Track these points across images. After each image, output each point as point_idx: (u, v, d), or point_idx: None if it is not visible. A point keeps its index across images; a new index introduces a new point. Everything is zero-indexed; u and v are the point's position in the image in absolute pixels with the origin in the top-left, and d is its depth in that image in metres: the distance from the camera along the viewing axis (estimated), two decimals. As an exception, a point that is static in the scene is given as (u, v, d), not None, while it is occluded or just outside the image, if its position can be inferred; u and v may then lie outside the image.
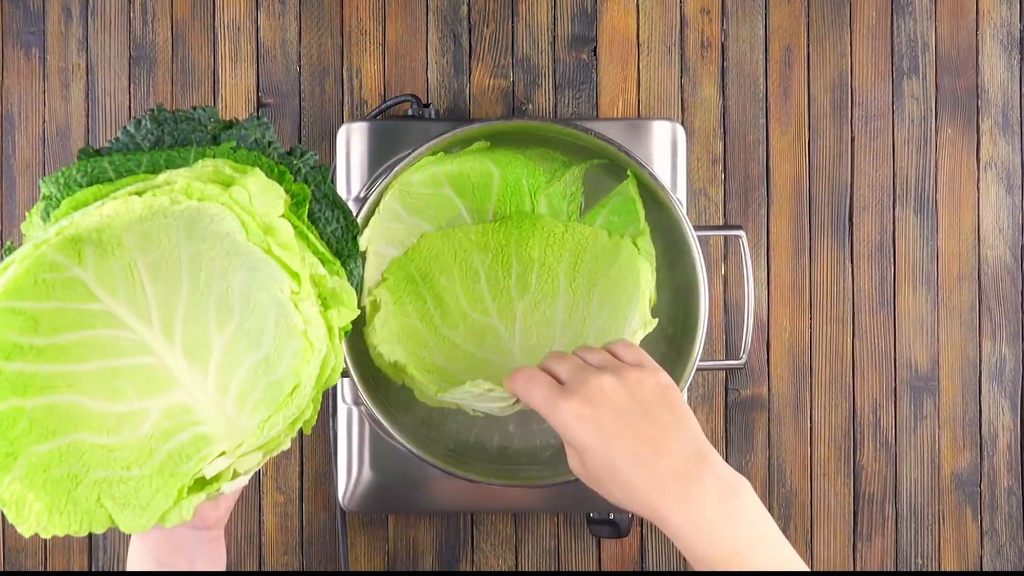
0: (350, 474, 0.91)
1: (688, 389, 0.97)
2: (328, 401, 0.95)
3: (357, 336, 0.79)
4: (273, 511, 0.99)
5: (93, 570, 0.99)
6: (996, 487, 1.01)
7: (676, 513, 0.61)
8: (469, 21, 1.01)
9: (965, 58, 1.02)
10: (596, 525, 0.95)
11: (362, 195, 0.90)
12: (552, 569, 1.00)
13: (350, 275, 0.70)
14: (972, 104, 1.02)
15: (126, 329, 0.66)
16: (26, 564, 0.99)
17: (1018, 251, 1.01)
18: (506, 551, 1.00)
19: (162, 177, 0.63)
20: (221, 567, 0.72)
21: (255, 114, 0.70)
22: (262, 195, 0.64)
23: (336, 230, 0.70)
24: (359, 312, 0.68)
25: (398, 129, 0.91)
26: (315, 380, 0.66)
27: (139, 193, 0.64)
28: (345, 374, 0.78)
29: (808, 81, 1.02)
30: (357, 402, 0.90)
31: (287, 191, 0.67)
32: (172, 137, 0.67)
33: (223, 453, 0.65)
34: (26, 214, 0.68)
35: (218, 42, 1.00)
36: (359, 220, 0.79)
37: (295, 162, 0.69)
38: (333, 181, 0.95)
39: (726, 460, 1.00)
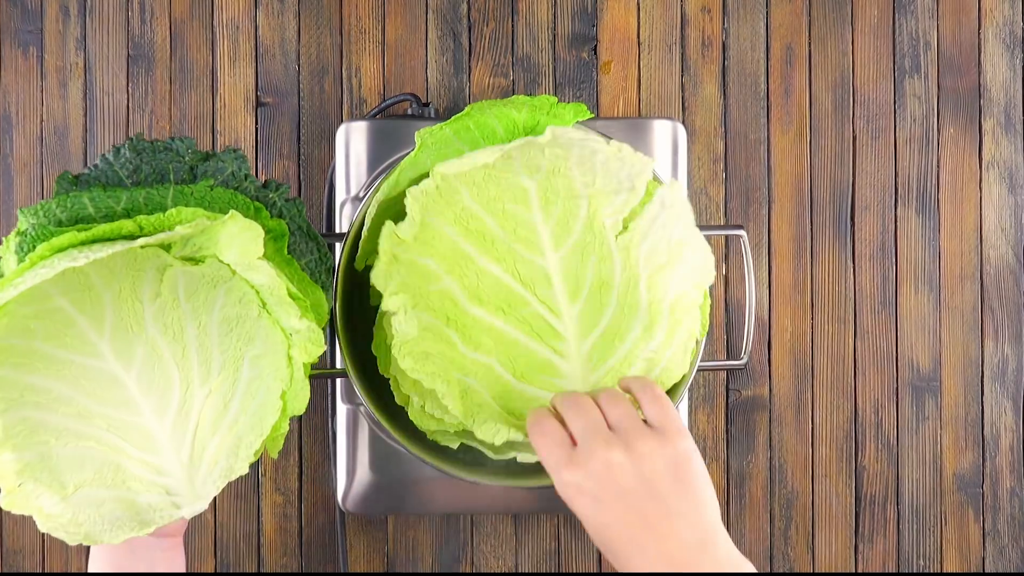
0: (349, 475, 0.91)
1: (689, 389, 0.97)
2: (327, 402, 0.95)
3: (355, 336, 0.79)
4: (272, 512, 0.99)
5: (91, 571, 0.99)
6: (998, 488, 1.00)
7: None
8: (469, 20, 1.00)
9: (967, 57, 1.02)
10: (596, 526, 0.94)
11: (361, 195, 0.90)
12: (552, 571, 0.99)
13: (320, 307, 0.72)
14: (974, 103, 1.01)
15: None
16: (24, 566, 0.98)
17: (1020, 251, 1.01)
18: (506, 552, 0.99)
19: (141, 241, 0.64)
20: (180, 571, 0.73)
21: (230, 146, 0.72)
22: (240, 235, 0.65)
23: (311, 261, 0.73)
24: (324, 349, 0.69)
25: (398, 128, 0.91)
26: (276, 420, 0.68)
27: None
28: (343, 375, 0.78)
29: (809, 80, 1.01)
30: (356, 402, 0.90)
31: (265, 227, 0.69)
32: (150, 166, 0.69)
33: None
34: (3, 239, 0.69)
35: (217, 41, 1.00)
36: (355, 223, 0.78)
37: (271, 195, 0.71)
38: (332, 181, 0.95)
39: (727, 461, 1.00)
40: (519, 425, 0.71)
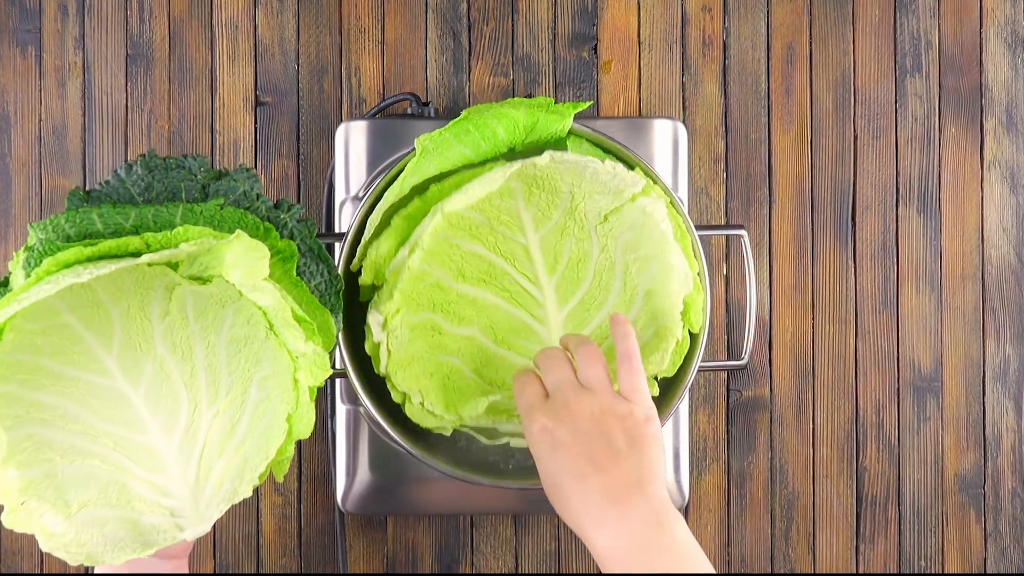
0: (349, 475, 0.91)
1: (690, 390, 0.97)
2: (327, 402, 0.95)
3: (355, 336, 0.79)
4: (271, 513, 0.98)
5: (89, 573, 0.99)
6: (1000, 489, 1.00)
7: (597, 534, 0.63)
8: (469, 19, 1.00)
9: (969, 56, 1.01)
10: (597, 527, 0.94)
11: (360, 194, 0.90)
12: (552, 572, 0.99)
13: (327, 330, 0.71)
14: (976, 103, 1.01)
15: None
16: (22, 566, 0.98)
17: (1022, 251, 1.01)
18: (506, 553, 0.99)
19: (146, 258, 0.64)
20: None
21: (243, 165, 0.71)
22: (246, 255, 0.65)
23: (320, 284, 0.72)
24: (331, 372, 0.70)
25: (397, 128, 0.91)
26: (282, 444, 0.68)
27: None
28: (342, 375, 0.78)
29: (810, 79, 1.01)
30: (356, 402, 0.90)
31: (273, 248, 0.68)
32: (162, 184, 0.69)
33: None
34: (13, 254, 0.69)
35: (216, 40, 1.00)
36: (354, 222, 0.78)
37: (282, 216, 0.71)
38: (332, 180, 0.95)
39: (727, 462, 1.00)
40: (500, 392, 0.76)
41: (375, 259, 0.75)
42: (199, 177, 0.69)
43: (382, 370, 0.75)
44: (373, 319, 0.74)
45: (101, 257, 0.64)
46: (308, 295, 0.70)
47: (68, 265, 0.63)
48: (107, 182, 0.68)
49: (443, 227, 0.74)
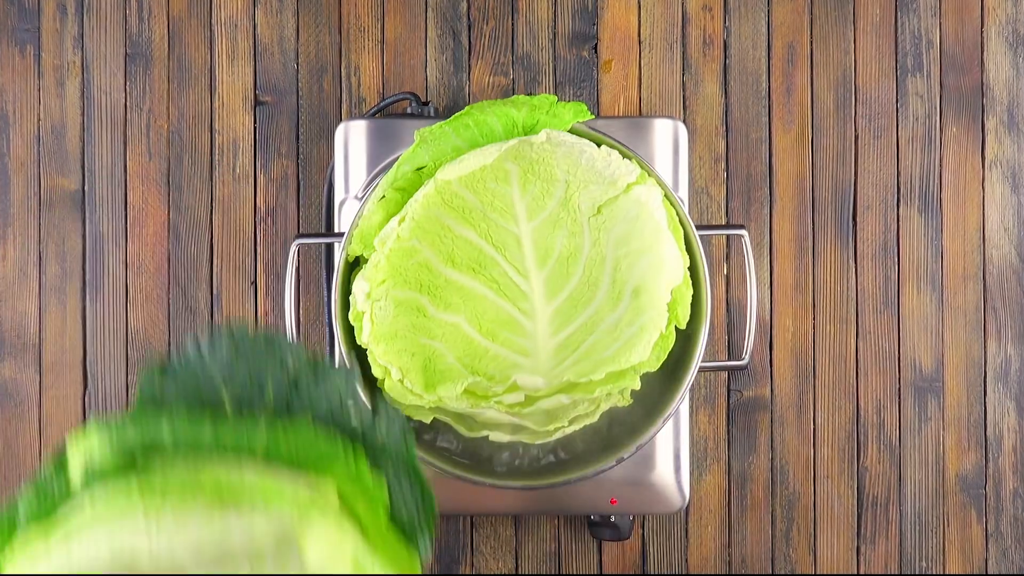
0: (348, 476, 0.91)
1: (690, 390, 0.96)
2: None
3: (361, 351, 0.78)
4: (271, 513, 0.98)
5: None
6: (1001, 489, 1.00)
7: None
8: (469, 18, 1.00)
9: (970, 56, 1.01)
10: (597, 527, 0.94)
11: (360, 194, 0.90)
12: (553, 572, 0.99)
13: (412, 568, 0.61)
14: (977, 102, 1.01)
15: None
16: (21, 567, 0.98)
17: (1023, 250, 1.01)
18: (506, 554, 0.99)
19: (218, 523, 0.55)
20: None
21: (344, 366, 0.63)
22: (327, 541, 0.56)
23: (412, 507, 0.61)
24: None
25: (397, 127, 0.90)
26: None
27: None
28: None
29: (811, 79, 1.01)
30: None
31: (362, 489, 0.59)
32: (247, 368, 0.61)
33: None
34: (73, 436, 0.59)
35: (215, 39, 0.99)
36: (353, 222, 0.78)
37: (379, 432, 0.61)
38: (332, 180, 0.95)
39: (728, 462, 1.00)
40: (481, 380, 0.76)
41: (365, 228, 0.76)
42: (291, 368, 0.61)
43: (363, 340, 0.75)
44: (359, 288, 0.74)
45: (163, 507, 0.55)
46: (395, 543, 0.59)
47: (123, 514, 0.54)
48: (186, 357, 0.61)
49: (436, 200, 0.74)
